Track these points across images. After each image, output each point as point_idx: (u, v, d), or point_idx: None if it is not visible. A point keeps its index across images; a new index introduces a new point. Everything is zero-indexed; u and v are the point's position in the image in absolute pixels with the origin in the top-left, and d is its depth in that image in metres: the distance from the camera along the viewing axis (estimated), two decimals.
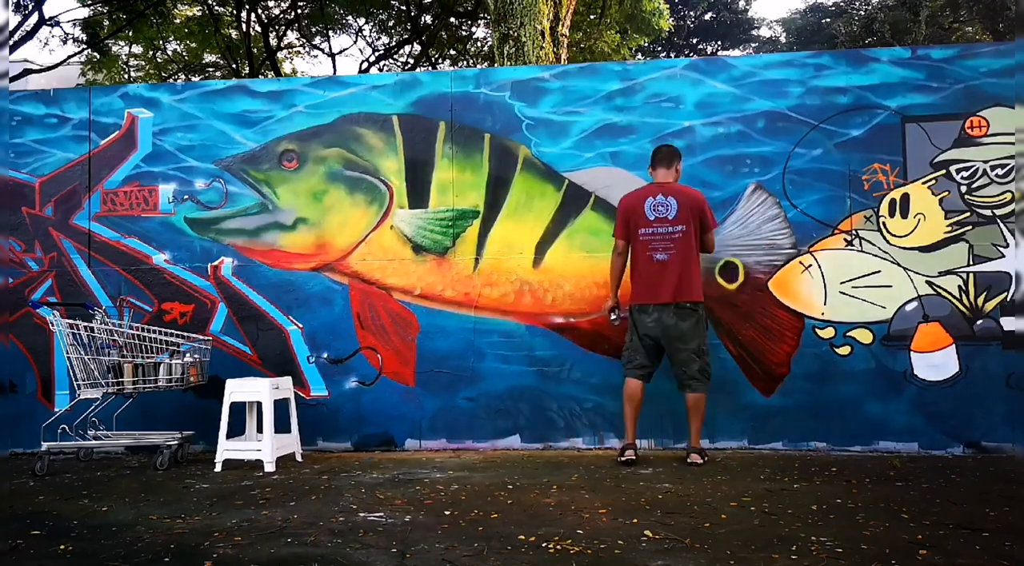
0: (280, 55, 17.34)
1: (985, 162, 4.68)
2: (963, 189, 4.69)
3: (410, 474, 4.15)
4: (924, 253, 4.69)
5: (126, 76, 16.94)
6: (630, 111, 4.90)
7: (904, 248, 4.70)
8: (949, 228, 4.69)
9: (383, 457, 4.71)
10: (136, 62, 17.28)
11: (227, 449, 4.43)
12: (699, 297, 4.32)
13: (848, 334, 4.69)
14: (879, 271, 4.71)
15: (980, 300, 4.64)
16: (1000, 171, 4.68)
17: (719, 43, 24.56)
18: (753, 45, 25.07)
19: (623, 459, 4.29)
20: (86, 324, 4.52)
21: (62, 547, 2.85)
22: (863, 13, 21.36)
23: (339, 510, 3.35)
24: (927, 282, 4.67)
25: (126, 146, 5.15)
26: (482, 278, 4.90)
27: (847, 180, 4.75)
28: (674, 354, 4.33)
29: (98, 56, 14.92)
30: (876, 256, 4.71)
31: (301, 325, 4.97)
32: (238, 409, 4.59)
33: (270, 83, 5.35)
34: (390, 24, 16.64)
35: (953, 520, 3.04)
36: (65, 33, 14.78)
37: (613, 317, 4.50)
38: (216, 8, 15.28)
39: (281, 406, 4.59)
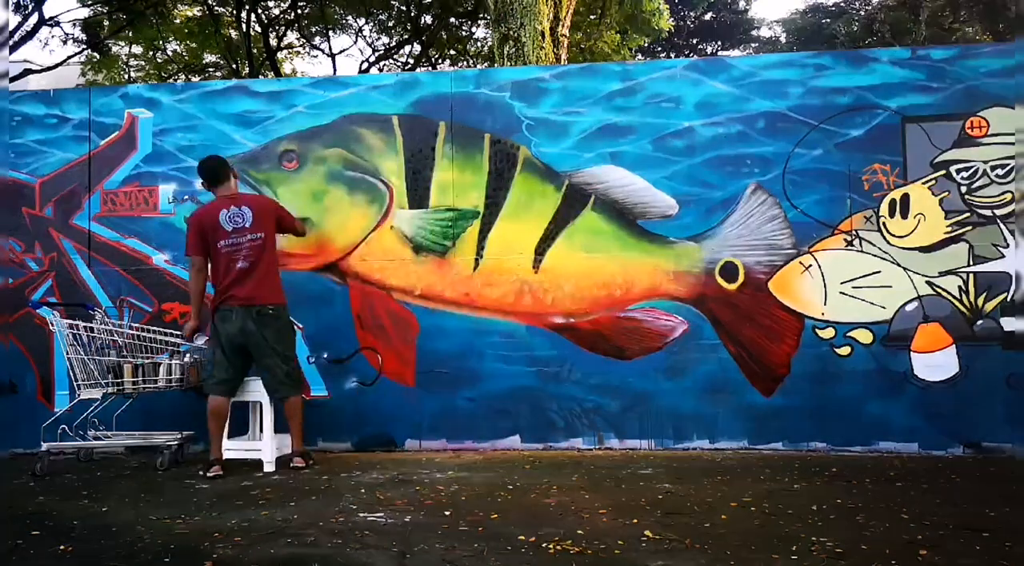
0: (280, 55, 17.35)
1: (985, 162, 4.68)
2: (963, 189, 4.69)
3: (410, 474, 4.15)
4: (924, 253, 4.69)
5: (126, 76, 16.94)
6: (630, 111, 4.90)
7: (904, 248, 4.70)
8: (949, 228, 4.69)
9: (383, 457, 4.71)
10: (136, 62, 17.28)
11: (228, 449, 4.43)
12: (279, 300, 4.39)
13: (848, 334, 4.69)
14: (879, 271, 4.71)
15: (980, 300, 4.64)
16: (1000, 171, 4.68)
17: (719, 43, 24.57)
18: (753, 45, 25.08)
19: (211, 474, 4.16)
20: (86, 324, 4.52)
21: (62, 547, 2.85)
22: (863, 13, 21.36)
23: (339, 510, 3.35)
24: (927, 282, 4.67)
25: (126, 146, 5.15)
26: (482, 278, 4.90)
27: (847, 180, 4.75)
28: (259, 360, 4.36)
29: (98, 56, 14.93)
30: (876, 256, 4.71)
31: (301, 325, 4.97)
32: (239, 409, 4.58)
33: (270, 83, 5.36)
34: (390, 24, 16.64)
35: (953, 520, 3.04)
36: (65, 33, 14.77)
37: (201, 342, 4.52)
38: (216, 8, 15.28)
39: (282, 406, 4.59)
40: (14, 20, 12.25)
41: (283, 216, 4.57)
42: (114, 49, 16.02)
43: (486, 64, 15.34)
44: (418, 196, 4.96)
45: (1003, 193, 4.67)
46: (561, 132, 4.92)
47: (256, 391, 4.49)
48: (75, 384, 4.49)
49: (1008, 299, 4.61)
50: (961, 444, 4.59)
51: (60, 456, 4.79)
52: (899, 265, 4.70)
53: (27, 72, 13.11)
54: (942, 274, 4.67)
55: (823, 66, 4.84)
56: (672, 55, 22.34)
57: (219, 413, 4.37)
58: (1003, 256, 4.64)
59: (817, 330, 4.70)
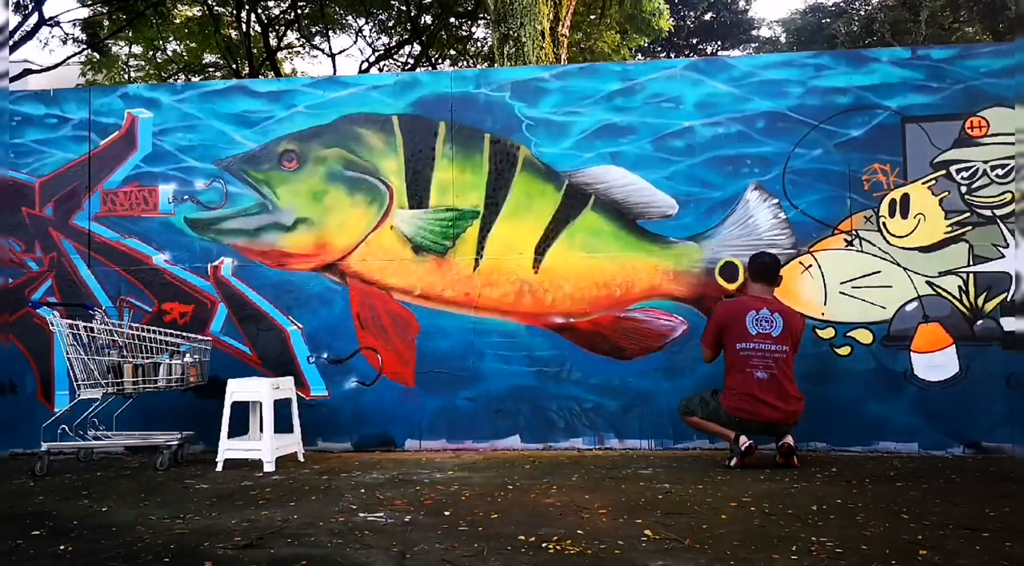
0: (280, 55, 17.35)
1: (985, 162, 4.68)
2: (963, 189, 4.69)
3: (410, 474, 4.15)
4: (924, 253, 4.69)
5: (126, 76, 16.94)
6: (630, 111, 4.90)
7: (904, 248, 4.70)
8: (949, 228, 4.69)
9: (383, 457, 4.71)
10: (136, 62, 17.28)
11: (228, 449, 4.43)
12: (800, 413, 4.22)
13: (848, 334, 4.69)
14: (879, 271, 4.71)
15: (980, 300, 4.64)
16: (1000, 171, 4.68)
17: (719, 43, 24.57)
18: (753, 45, 25.08)
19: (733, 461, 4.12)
20: (86, 324, 4.52)
21: (62, 547, 2.85)
22: (863, 13, 21.37)
23: (339, 510, 3.35)
24: (927, 282, 4.67)
25: (126, 146, 5.15)
26: (482, 278, 4.90)
27: (847, 180, 4.75)
28: None
29: (98, 56, 14.93)
30: (876, 256, 4.71)
31: (301, 325, 4.97)
32: (240, 409, 4.58)
33: (270, 83, 5.36)
34: (390, 24, 16.65)
35: (953, 520, 3.04)
36: (65, 33, 14.76)
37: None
38: (216, 8, 15.28)
39: (283, 406, 4.59)
40: (14, 20, 12.26)
41: (799, 341, 4.29)
42: (114, 49, 16.02)
43: (486, 64, 15.34)
44: (418, 196, 4.96)
45: (1003, 193, 4.67)
46: (561, 132, 4.92)
47: (256, 391, 4.49)
48: (75, 384, 4.49)
49: (1008, 299, 4.61)
50: (961, 444, 4.59)
51: (60, 456, 4.79)
52: (899, 265, 4.70)
53: (27, 72, 13.11)
54: (942, 274, 4.67)
55: (823, 66, 4.84)
56: (672, 55, 22.35)
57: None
58: (1003, 256, 4.64)
59: (817, 330, 4.70)
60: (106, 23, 14.16)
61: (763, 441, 4.70)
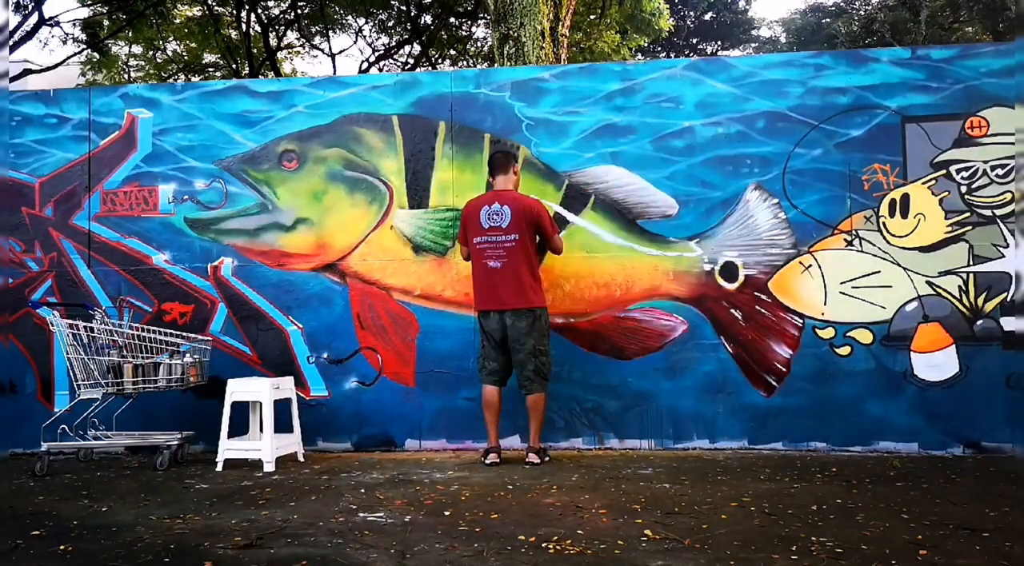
0: (280, 55, 17.34)
1: (985, 162, 4.68)
2: (963, 189, 4.69)
3: (410, 474, 4.15)
4: (924, 253, 4.69)
5: (126, 76, 16.94)
6: (630, 111, 4.90)
7: (904, 248, 4.70)
8: (949, 228, 4.69)
9: (383, 457, 4.71)
10: (136, 62, 17.28)
11: (228, 448, 4.43)
12: (534, 302, 4.38)
13: (848, 334, 4.69)
14: (879, 271, 4.71)
15: (980, 300, 4.64)
16: (1000, 171, 4.68)
17: (719, 43, 24.58)
18: (753, 45, 25.10)
19: (487, 462, 4.36)
20: (86, 324, 4.52)
21: (62, 547, 2.85)
22: (863, 13, 21.38)
23: (339, 510, 3.35)
24: (927, 282, 4.67)
25: (126, 146, 5.15)
26: None
27: (847, 180, 4.75)
28: (513, 355, 4.42)
29: (98, 56, 14.92)
30: (876, 256, 4.71)
31: (301, 325, 4.97)
32: (240, 409, 4.58)
33: (270, 83, 5.36)
34: (390, 24, 16.64)
35: (953, 520, 3.04)
36: (65, 33, 14.76)
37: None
38: (216, 8, 15.28)
39: (283, 406, 4.59)
40: (14, 20, 12.26)
41: (545, 225, 4.45)
42: (114, 49, 16.01)
43: (486, 64, 15.34)
44: (418, 196, 4.96)
45: (1003, 193, 4.67)
46: (561, 132, 4.92)
47: (256, 391, 4.49)
48: (75, 384, 4.50)
49: (1008, 299, 4.61)
50: (961, 444, 4.59)
51: (60, 456, 4.79)
52: (899, 265, 4.70)
53: (27, 72, 13.11)
54: (942, 274, 4.67)
55: (823, 66, 4.84)
56: (672, 55, 22.35)
57: (490, 403, 4.45)
58: (1003, 256, 4.64)
59: (817, 330, 4.70)
60: (106, 23, 14.16)
61: (765, 441, 4.71)
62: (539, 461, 4.37)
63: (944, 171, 4.71)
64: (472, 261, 4.50)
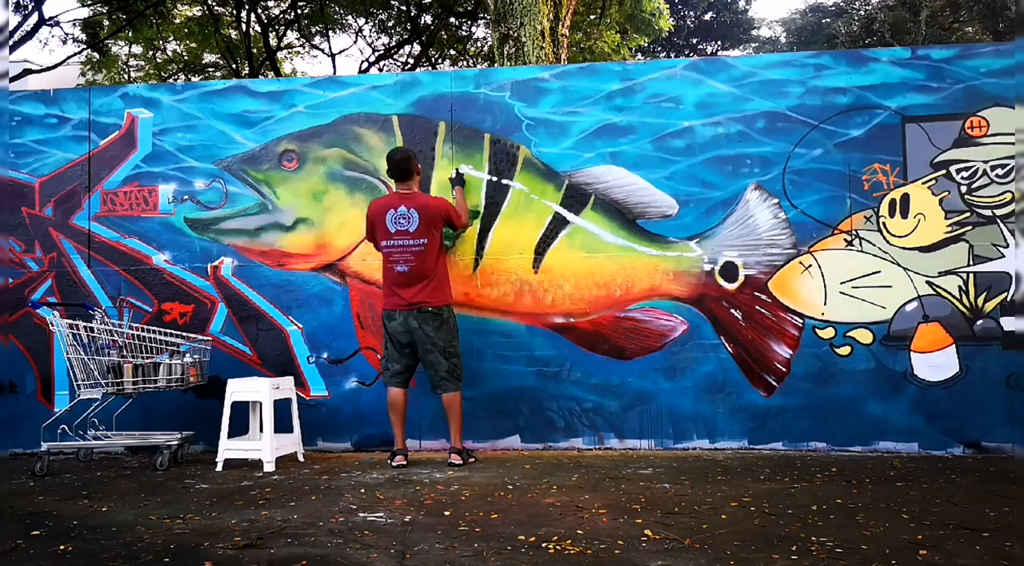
0: (280, 55, 17.34)
1: (985, 162, 4.68)
2: (963, 189, 4.69)
3: (410, 474, 4.15)
4: (924, 253, 4.69)
5: (126, 76, 16.94)
6: (630, 111, 4.90)
7: (904, 248, 4.70)
8: (949, 228, 4.69)
9: (383, 457, 4.71)
10: (136, 62, 17.27)
11: (228, 448, 4.43)
12: (440, 302, 4.41)
13: (848, 334, 4.69)
14: (879, 271, 4.71)
15: (980, 300, 4.64)
16: (1000, 171, 4.68)
17: (719, 43, 24.58)
18: (753, 45, 25.09)
19: (394, 464, 4.38)
20: (86, 324, 4.53)
21: (62, 547, 2.85)
22: (863, 13, 21.38)
23: (339, 510, 3.35)
24: (927, 282, 4.67)
25: (126, 146, 5.15)
26: (482, 278, 4.90)
27: (847, 180, 4.75)
28: (423, 357, 4.44)
29: (98, 56, 14.92)
30: (876, 256, 4.71)
31: (301, 325, 4.97)
32: (240, 409, 4.59)
33: (270, 83, 5.35)
34: (390, 24, 16.64)
35: (953, 520, 3.04)
36: (65, 33, 14.76)
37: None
38: (216, 8, 15.27)
39: (283, 406, 4.59)
40: (14, 20, 12.25)
41: (452, 218, 4.53)
42: (114, 49, 16.01)
43: (486, 64, 15.34)
44: None
45: (1003, 193, 4.67)
46: (561, 132, 4.92)
47: (256, 391, 4.49)
48: (75, 384, 4.50)
49: (1008, 299, 4.61)
50: (961, 444, 4.59)
51: (60, 456, 4.79)
52: (899, 265, 4.70)
53: (27, 72, 13.11)
54: (942, 274, 4.67)
55: (823, 66, 4.84)
56: (672, 55, 22.34)
57: (396, 405, 4.48)
58: (1003, 256, 4.64)
59: (817, 330, 4.70)
60: (106, 23, 14.15)
61: (765, 441, 4.71)
62: (461, 462, 4.38)
63: (944, 171, 4.71)
64: (382, 263, 4.52)
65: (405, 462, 4.41)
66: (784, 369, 4.72)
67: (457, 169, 4.90)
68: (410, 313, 4.38)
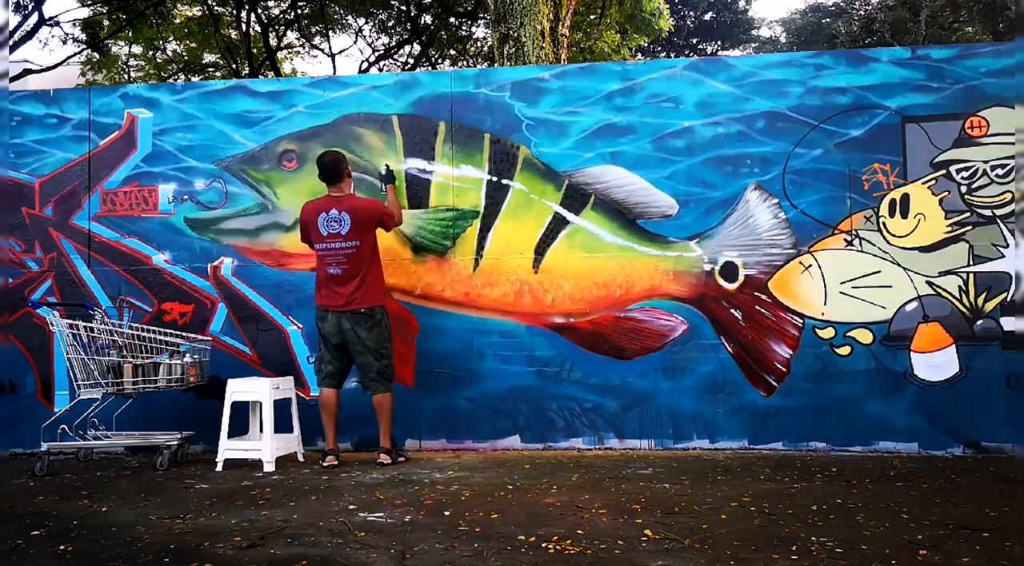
0: (280, 55, 17.33)
1: (985, 162, 4.68)
2: (963, 189, 4.69)
3: (410, 474, 4.15)
4: (924, 253, 4.69)
5: (126, 76, 16.93)
6: (630, 111, 4.90)
7: (904, 248, 4.70)
8: (949, 228, 4.69)
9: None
10: (136, 62, 17.26)
11: (228, 449, 4.43)
12: (373, 302, 4.43)
13: (848, 334, 4.69)
14: (879, 271, 4.71)
15: (980, 300, 4.64)
16: (1000, 171, 4.68)
17: (719, 43, 24.58)
18: (753, 45, 25.09)
19: (325, 464, 4.39)
20: (86, 324, 4.52)
21: (62, 547, 2.85)
22: (863, 13, 21.38)
23: (339, 510, 3.35)
24: (927, 282, 4.67)
25: (126, 146, 5.15)
26: (482, 278, 4.90)
27: (847, 180, 4.75)
28: (355, 358, 4.46)
29: (98, 56, 14.91)
30: (876, 256, 4.71)
31: (301, 325, 4.97)
32: (240, 409, 4.59)
33: (270, 83, 5.35)
34: (390, 24, 16.64)
35: (953, 520, 3.04)
36: (65, 33, 14.75)
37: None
38: (216, 8, 15.27)
39: (283, 406, 4.59)
40: (14, 20, 12.25)
41: (385, 219, 4.54)
42: (114, 49, 16.00)
43: (486, 64, 15.34)
44: (418, 196, 4.96)
45: (1003, 193, 4.67)
46: (561, 132, 4.92)
47: (256, 391, 4.49)
48: (75, 384, 4.50)
49: (1008, 299, 4.61)
50: (961, 444, 4.59)
51: (60, 456, 4.79)
52: (899, 265, 4.70)
53: (27, 72, 13.10)
54: (942, 274, 4.67)
55: (823, 66, 4.84)
56: (672, 55, 22.34)
57: (328, 406, 4.50)
58: (1003, 256, 4.64)
59: (817, 330, 4.70)
60: (106, 23, 14.15)
61: (765, 441, 4.71)
62: (390, 461, 4.40)
63: (944, 171, 4.71)
64: (317, 265, 4.53)
65: (336, 462, 4.41)
66: (784, 369, 4.72)
67: (387, 165, 4.90)
68: (343, 314, 4.39)
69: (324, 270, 4.45)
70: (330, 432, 4.51)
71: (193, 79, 16.31)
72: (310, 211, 4.49)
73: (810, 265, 4.75)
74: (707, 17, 24.00)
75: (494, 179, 4.92)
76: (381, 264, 4.59)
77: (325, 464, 4.39)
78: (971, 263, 4.66)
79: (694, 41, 24.01)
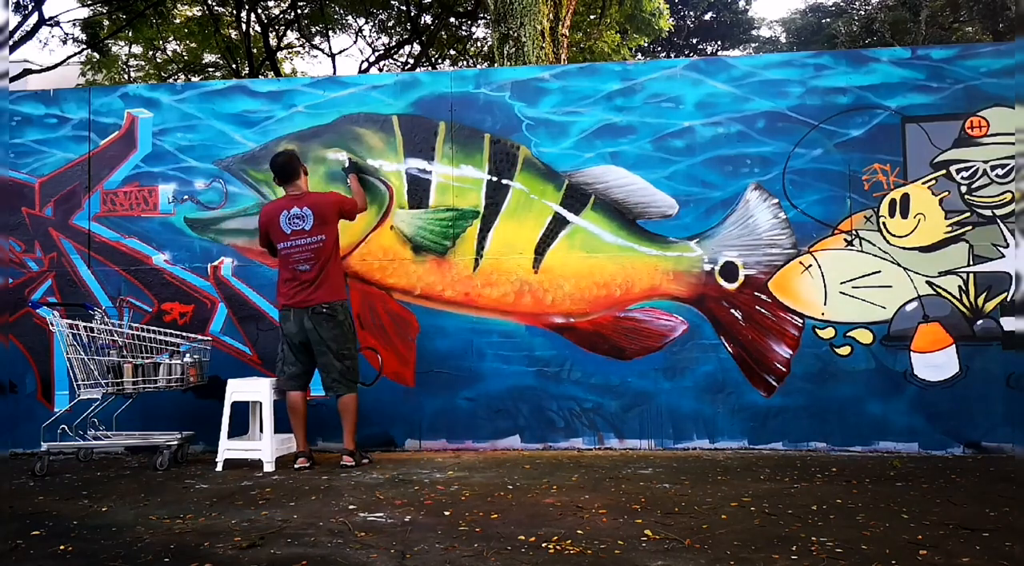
0: (280, 55, 17.34)
1: (985, 162, 4.68)
2: (963, 189, 4.69)
3: (410, 474, 4.15)
4: (924, 253, 4.69)
5: (126, 76, 16.93)
6: (630, 111, 4.90)
7: (904, 248, 4.70)
8: (949, 228, 4.69)
9: (383, 457, 4.71)
10: (136, 62, 17.27)
11: (228, 449, 4.43)
12: (335, 298, 4.41)
13: (848, 334, 4.69)
14: (879, 271, 4.71)
15: (980, 300, 4.64)
16: (1000, 171, 4.68)
17: (719, 43, 24.58)
18: (753, 45, 25.09)
19: (296, 467, 4.37)
20: (86, 324, 4.52)
21: (62, 547, 2.85)
22: (863, 13, 21.38)
23: (339, 510, 3.35)
24: (927, 282, 4.67)
25: (126, 146, 5.15)
26: (482, 278, 4.90)
27: (847, 180, 4.75)
28: (317, 358, 4.44)
29: (98, 56, 14.91)
30: (876, 256, 4.71)
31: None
32: (240, 409, 4.59)
33: (270, 83, 5.35)
34: (390, 24, 16.64)
35: (953, 520, 3.04)
36: (65, 33, 14.76)
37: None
38: (216, 8, 15.27)
39: (283, 406, 4.59)
40: (14, 20, 12.25)
41: (346, 209, 4.55)
42: (114, 49, 16.00)
43: (486, 64, 15.34)
44: (418, 196, 4.96)
45: (1003, 193, 4.67)
46: (561, 132, 4.92)
47: (256, 391, 4.49)
48: (75, 384, 4.50)
49: (1008, 299, 4.61)
50: (961, 444, 4.59)
51: (60, 456, 4.79)
52: (899, 265, 4.70)
53: (27, 72, 13.10)
54: (942, 274, 4.67)
55: (823, 66, 4.84)
56: (672, 55, 22.34)
57: (295, 408, 4.47)
58: (1003, 256, 4.64)
59: (817, 330, 4.70)
60: (106, 23, 14.15)
61: (765, 441, 4.71)
62: (353, 463, 4.37)
63: (944, 171, 4.71)
64: (279, 265, 4.50)
65: (307, 464, 4.38)
66: (784, 369, 4.72)
67: (349, 158, 4.91)
68: (305, 311, 4.37)
69: (289, 269, 4.43)
70: (299, 434, 4.48)
71: (193, 79, 16.31)
72: (270, 211, 4.49)
73: (810, 265, 4.75)
74: (707, 17, 24.00)
75: (494, 179, 4.92)
76: (341, 260, 4.59)
77: (296, 467, 4.36)
78: (971, 263, 4.66)
79: (694, 41, 24.01)
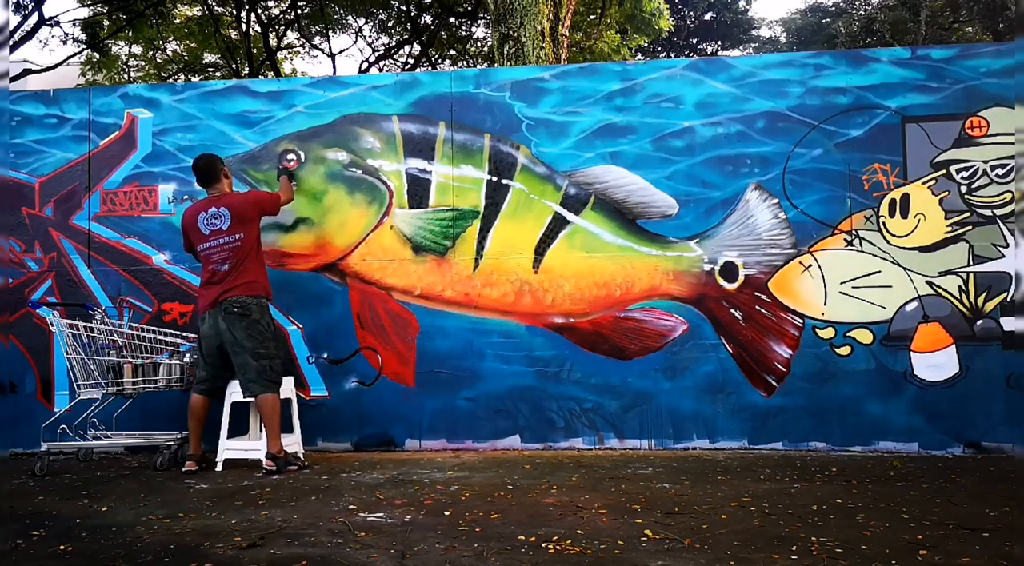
0: (280, 55, 17.34)
1: (985, 162, 4.68)
2: (963, 189, 4.69)
3: (410, 474, 4.15)
4: (924, 253, 4.69)
5: (126, 76, 16.94)
6: (630, 111, 4.90)
7: (904, 248, 4.70)
8: (949, 228, 4.69)
9: (383, 457, 4.71)
10: (136, 62, 17.27)
11: (228, 449, 4.43)
12: (247, 294, 4.33)
13: (848, 334, 4.69)
14: (879, 271, 4.71)
15: (980, 300, 4.64)
16: (1000, 171, 4.68)
17: (719, 43, 24.58)
18: (753, 45, 25.10)
19: (184, 470, 4.32)
20: (86, 324, 4.53)
21: (62, 547, 2.85)
22: (863, 13, 21.39)
23: (339, 510, 3.35)
24: (927, 282, 4.67)
25: (126, 146, 5.15)
26: (482, 278, 4.90)
27: (847, 180, 4.75)
28: (233, 358, 4.37)
29: (98, 56, 14.91)
30: (876, 256, 4.71)
31: (301, 325, 4.97)
32: (240, 409, 4.58)
33: (270, 83, 5.35)
34: (390, 24, 16.64)
35: (953, 520, 3.04)
36: (65, 33, 14.79)
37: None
38: (216, 8, 15.28)
39: (283, 406, 4.58)
40: (14, 20, 12.25)
41: (265, 206, 4.54)
42: (114, 49, 16.01)
43: (486, 64, 15.35)
44: (418, 196, 4.96)
45: (1003, 193, 4.67)
46: (561, 132, 4.92)
47: None
48: (75, 384, 4.50)
49: (1008, 299, 4.61)
50: (961, 444, 4.59)
51: (60, 456, 4.79)
52: (899, 265, 4.70)
53: (27, 72, 13.10)
54: (942, 274, 4.67)
55: (823, 66, 4.84)
56: (672, 55, 22.34)
57: (195, 411, 4.41)
58: (1003, 256, 4.64)
59: (817, 330, 4.70)
60: (106, 23, 14.15)
61: (765, 441, 4.71)
62: (274, 468, 4.24)
63: (944, 171, 4.72)
64: (202, 268, 4.46)
65: (195, 468, 4.32)
66: (784, 369, 4.72)
67: (287, 159, 4.92)
68: (218, 311, 4.31)
69: (208, 270, 4.38)
70: (193, 437, 4.41)
71: (193, 79, 16.31)
72: (189, 215, 4.48)
73: (810, 265, 4.75)
74: (707, 17, 24.00)
75: (494, 179, 4.92)
76: (263, 259, 4.54)
77: (184, 470, 4.30)
78: (971, 263, 4.66)
79: (694, 41, 24.01)
